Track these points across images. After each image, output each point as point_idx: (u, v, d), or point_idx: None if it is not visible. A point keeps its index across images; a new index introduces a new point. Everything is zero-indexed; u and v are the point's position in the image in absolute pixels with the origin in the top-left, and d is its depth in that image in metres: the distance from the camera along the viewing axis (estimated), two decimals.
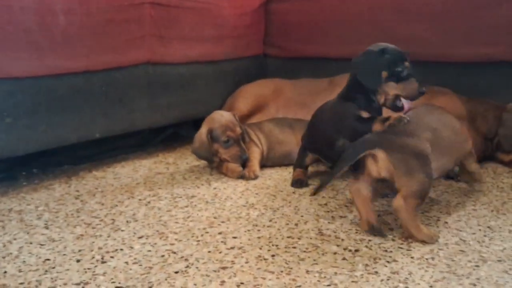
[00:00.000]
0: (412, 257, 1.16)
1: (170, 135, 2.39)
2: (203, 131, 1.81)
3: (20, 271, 1.13)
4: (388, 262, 1.14)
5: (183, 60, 2.11)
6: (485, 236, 1.27)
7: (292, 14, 2.50)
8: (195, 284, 1.05)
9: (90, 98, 1.82)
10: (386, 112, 1.49)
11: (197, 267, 1.12)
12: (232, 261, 1.15)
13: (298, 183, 1.66)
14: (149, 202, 1.55)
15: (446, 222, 1.36)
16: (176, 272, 1.10)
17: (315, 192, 1.41)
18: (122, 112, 1.93)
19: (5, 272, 1.12)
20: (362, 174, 1.27)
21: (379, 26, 2.22)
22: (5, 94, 1.57)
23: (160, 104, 2.06)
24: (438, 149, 1.31)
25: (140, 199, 1.58)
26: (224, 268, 1.12)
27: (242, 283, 1.05)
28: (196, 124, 2.42)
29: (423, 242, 1.22)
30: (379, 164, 1.23)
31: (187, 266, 1.13)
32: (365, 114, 1.45)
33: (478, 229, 1.31)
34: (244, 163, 1.79)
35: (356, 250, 1.20)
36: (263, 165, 1.89)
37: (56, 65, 1.67)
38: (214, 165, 1.84)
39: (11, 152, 1.65)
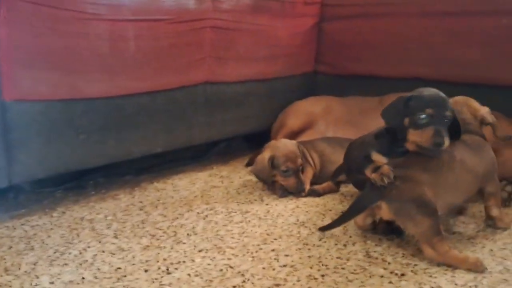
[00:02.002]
0: (456, 284, 1.22)
1: (223, 149, 2.52)
2: (265, 156, 1.88)
3: (96, 277, 1.27)
4: (432, 287, 1.20)
5: (238, 79, 2.23)
6: None
7: (344, 33, 2.57)
8: None
9: (154, 115, 1.97)
10: None
11: (252, 283, 1.23)
12: (284, 279, 1.24)
13: None
14: (206, 216, 1.67)
15: (492, 250, 1.40)
16: (234, 286, 1.21)
17: (325, 228, 1.51)
18: (182, 128, 2.07)
19: (83, 278, 1.27)
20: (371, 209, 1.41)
21: (430, 48, 2.26)
22: (81, 113, 1.74)
23: (216, 120, 2.19)
24: (439, 188, 1.37)
25: (198, 213, 1.70)
26: (277, 285, 1.22)
27: None
28: (247, 138, 2.56)
29: (469, 269, 1.28)
30: (382, 212, 1.37)
31: (244, 281, 1.23)
32: (376, 157, 1.51)
33: None
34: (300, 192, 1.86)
35: (402, 274, 1.27)
36: (313, 183, 1.97)
37: (125, 86, 1.83)
38: (271, 188, 1.91)
39: (84, 165, 1.83)
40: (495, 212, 1.53)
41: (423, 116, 1.41)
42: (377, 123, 2.24)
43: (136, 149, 1.96)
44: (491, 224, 1.55)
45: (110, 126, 1.83)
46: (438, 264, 1.31)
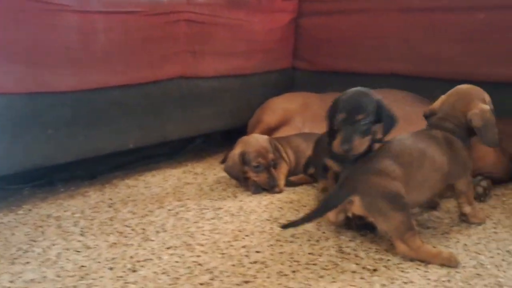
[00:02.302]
0: (428, 279, 1.19)
1: (199, 145, 2.48)
2: (236, 152, 1.85)
3: (58, 276, 1.22)
4: (405, 283, 1.18)
5: (214, 74, 2.19)
6: (503, 260, 1.29)
7: (321, 29, 2.55)
8: None
9: (126, 111, 1.92)
10: None
11: (221, 280, 1.19)
12: (254, 276, 1.21)
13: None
14: (177, 213, 1.62)
15: (466, 245, 1.38)
16: (202, 284, 1.17)
17: (287, 226, 1.42)
18: (156, 123, 2.03)
19: (45, 276, 1.22)
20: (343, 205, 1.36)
21: (407, 44, 2.25)
22: (48, 107, 1.68)
23: (191, 116, 2.15)
24: (408, 184, 1.34)
25: (169, 209, 1.66)
26: (246, 282, 1.18)
27: None
28: (224, 134, 2.52)
29: (442, 264, 1.26)
30: (355, 207, 1.33)
31: (212, 279, 1.20)
32: (330, 163, 1.60)
33: (497, 253, 1.33)
34: (272, 188, 1.82)
35: (375, 270, 1.24)
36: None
37: (95, 79, 1.78)
38: (244, 184, 1.87)
39: (52, 161, 1.76)
40: (467, 209, 1.51)
41: (338, 121, 1.41)
42: None
43: (107, 145, 1.90)
44: (465, 219, 1.53)
45: (79, 121, 1.77)
46: (411, 259, 1.28)
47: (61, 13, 1.65)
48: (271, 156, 1.83)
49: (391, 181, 1.32)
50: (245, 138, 1.92)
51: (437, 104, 1.54)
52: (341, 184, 1.36)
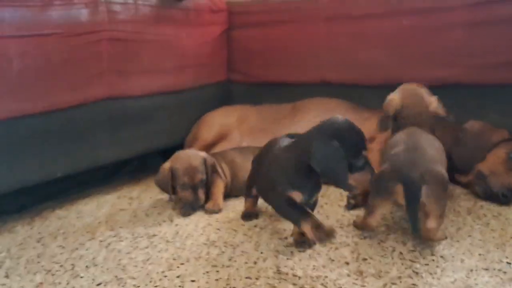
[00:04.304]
0: None
1: (137, 167, 2.39)
2: (166, 166, 1.81)
3: None
4: None
5: (143, 93, 2.11)
6: (437, 267, 1.30)
7: (253, 40, 2.53)
8: None
9: (50, 138, 1.80)
10: None
11: None
12: None
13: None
14: (109, 244, 1.54)
15: (401, 253, 1.39)
16: None
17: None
18: (84, 149, 1.92)
19: None
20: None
21: (336, 52, 2.27)
22: None
23: (122, 138, 2.06)
24: None
25: (101, 240, 1.57)
26: None
27: None
28: (163, 154, 2.44)
29: (379, 276, 1.25)
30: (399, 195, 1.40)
31: None
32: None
33: (431, 260, 1.34)
34: (194, 211, 1.78)
35: None
36: (227, 196, 1.90)
37: (12, 108, 1.66)
38: (173, 199, 1.84)
39: None
40: None
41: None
42: (290, 130, 2.23)
43: (32, 175, 1.79)
44: None
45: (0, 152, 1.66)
46: (348, 274, 1.27)
47: None
48: (199, 176, 1.78)
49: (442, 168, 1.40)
50: (179, 153, 1.87)
51: (397, 105, 1.60)
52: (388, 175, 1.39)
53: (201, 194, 1.79)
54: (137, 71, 2.06)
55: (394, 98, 1.66)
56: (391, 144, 1.53)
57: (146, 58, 2.10)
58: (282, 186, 1.38)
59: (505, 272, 1.26)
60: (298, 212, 1.36)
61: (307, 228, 1.33)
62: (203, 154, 1.87)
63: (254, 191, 1.65)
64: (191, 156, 1.83)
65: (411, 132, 1.55)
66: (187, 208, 1.78)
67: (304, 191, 1.38)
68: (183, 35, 2.26)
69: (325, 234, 1.32)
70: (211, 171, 1.85)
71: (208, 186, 1.84)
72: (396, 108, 1.63)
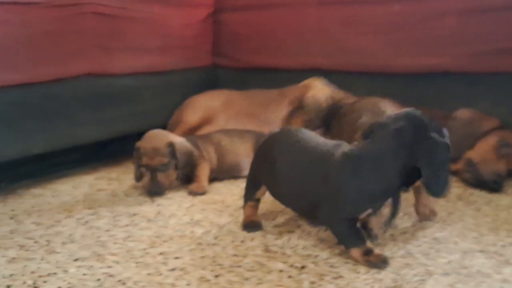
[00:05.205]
0: (358, 272, 1.14)
1: (117, 148, 2.31)
2: (136, 145, 1.73)
3: None
4: (334, 278, 1.11)
5: (128, 71, 2.04)
6: (431, 248, 1.26)
7: (241, 25, 2.48)
8: None
9: (28, 112, 1.72)
10: None
11: None
12: (172, 284, 1.09)
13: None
14: (87, 221, 1.46)
15: (392, 235, 1.35)
16: None
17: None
18: (63, 126, 1.84)
19: None
20: None
21: (326, 38, 2.24)
22: None
23: (104, 117, 1.98)
24: None
25: (78, 218, 1.49)
26: None
27: None
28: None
29: None
30: None
31: None
32: None
33: (424, 241, 1.31)
34: (152, 196, 1.67)
35: (303, 267, 1.16)
36: (213, 179, 1.84)
37: None
38: (138, 180, 1.75)
39: None
40: None
41: None
42: (277, 115, 2.18)
43: (8, 151, 1.70)
44: None
45: None
46: (340, 253, 1.22)
47: None
48: (159, 159, 1.67)
49: None
50: (149, 132, 1.77)
51: None
52: None
53: (164, 179, 1.69)
54: (121, 48, 1.99)
55: None
56: None
57: (131, 35, 2.03)
58: (354, 205, 1.16)
59: (501, 254, 1.22)
60: (353, 237, 1.18)
61: (356, 254, 1.18)
62: (174, 137, 1.77)
63: (259, 193, 1.39)
64: (157, 137, 1.73)
65: None
66: (147, 193, 1.68)
67: (379, 206, 1.18)
68: (170, 14, 2.19)
69: (377, 260, 1.16)
70: (186, 158, 1.73)
71: (192, 170, 1.78)
72: None
